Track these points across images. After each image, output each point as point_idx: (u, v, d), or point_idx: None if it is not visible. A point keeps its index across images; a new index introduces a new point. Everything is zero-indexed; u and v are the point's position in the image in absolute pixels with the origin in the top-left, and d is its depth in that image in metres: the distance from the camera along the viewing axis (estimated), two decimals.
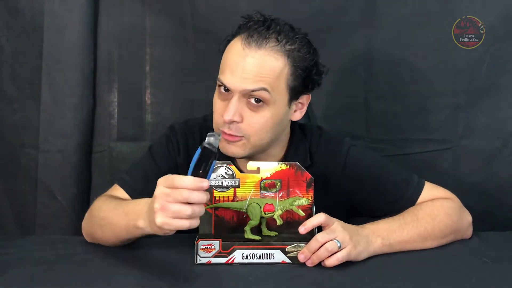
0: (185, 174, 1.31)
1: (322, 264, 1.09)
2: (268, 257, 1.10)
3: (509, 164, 1.71)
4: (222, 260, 1.10)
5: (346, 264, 1.10)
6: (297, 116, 1.28)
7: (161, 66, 1.76)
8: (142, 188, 1.28)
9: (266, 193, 1.14)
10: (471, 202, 1.34)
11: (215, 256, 1.10)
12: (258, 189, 1.14)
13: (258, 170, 1.15)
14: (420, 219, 1.20)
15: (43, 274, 1.06)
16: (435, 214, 1.22)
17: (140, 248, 1.19)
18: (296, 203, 1.14)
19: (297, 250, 1.10)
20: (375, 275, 1.07)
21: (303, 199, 1.14)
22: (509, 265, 1.12)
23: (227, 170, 1.14)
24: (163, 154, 1.31)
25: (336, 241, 1.09)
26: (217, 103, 1.23)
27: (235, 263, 1.10)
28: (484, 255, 1.16)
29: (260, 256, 1.10)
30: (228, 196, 1.14)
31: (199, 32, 1.73)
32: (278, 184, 1.14)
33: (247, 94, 1.19)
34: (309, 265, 1.09)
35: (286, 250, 1.10)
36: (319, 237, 1.09)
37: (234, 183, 1.14)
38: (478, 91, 1.70)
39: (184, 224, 0.98)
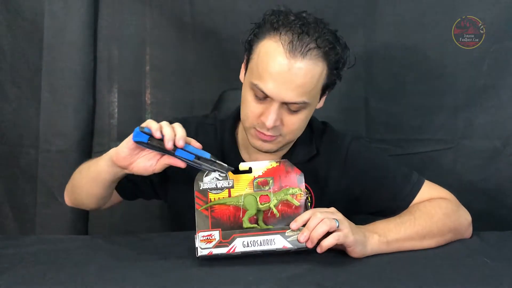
0: (174, 167, 1.34)
1: (319, 249, 1.08)
2: (269, 242, 1.09)
3: (509, 164, 1.71)
4: (224, 250, 1.09)
5: (346, 264, 1.10)
6: (321, 104, 1.30)
7: (161, 66, 1.77)
8: (126, 178, 1.29)
9: (260, 191, 1.15)
10: (471, 202, 1.34)
11: (216, 246, 1.09)
12: (251, 188, 1.15)
13: (250, 170, 1.16)
14: (417, 218, 1.21)
15: (43, 274, 1.06)
16: (432, 214, 1.23)
17: (140, 248, 1.20)
18: (290, 192, 1.15)
19: (297, 233, 1.09)
20: (375, 275, 1.07)
21: (297, 189, 1.15)
22: (509, 265, 1.12)
23: (221, 172, 1.15)
24: None
25: (335, 220, 1.09)
26: (251, 104, 1.22)
27: (236, 252, 1.09)
28: (484, 255, 1.16)
29: (261, 242, 1.09)
30: (223, 197, 1.15)
31: (199, 32, 1.73)
32: (271, 181, 1.15)
33: (287, 102, 1.20)
34: (309, 246, 1.08)
35: (286, 234, 1.10)
36: (319, 213, 1.09)
37: (228, 184, 1.15)
38: (478, 91, 1.70)
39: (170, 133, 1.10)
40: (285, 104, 1.20)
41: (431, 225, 1.20)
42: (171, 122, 1.35)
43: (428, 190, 1.30)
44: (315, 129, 1.36)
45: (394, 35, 1.70)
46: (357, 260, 1.12)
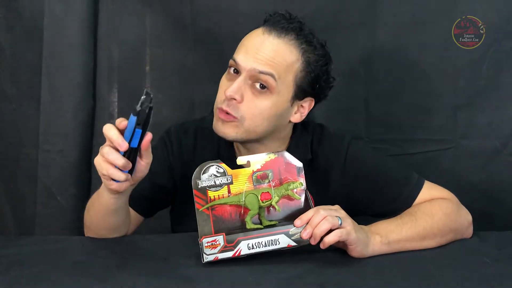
0: (180, 174, 1.33)
1: (322, 245, 1.08)
2: (273, 243, 1.10)
3: (509, 164, 1.70)
4: (229, 254, 1.09)
5: (346, 264, 1.10)
6: (297, 118, 1.29)
7: (161, 66, 1.76)
8: (143, 197, 1.31)
9: (260, 185, 1.15)
10: (471, 202, 1.34)
11: (221, 251, 1.09)
12: (251, 182, 1.15)
13: (248, 164, 1.16)
14: (418, 219, 1.21)
15: (43, 274, 1.06)
16: (433, 214, 1.23)
17: (140, 248, 1.20)
18: (291, 187, 1.15)
19: (301, 230, 1.09)
20: (375, 275, 1.07)
21: (297, 183, 1.15)
22: (509, 265, 1.12)
23: (218, 168, 1.15)
24: (156, 156, 1.32)
25: (338, 217, 1.09)
26: (223, 82, 1.26)
27: (242, 255, 1.09)
28: (484, 255, 1.16)
29: (265, 243, 1.10)
30: (222, 194, 1.14)
31: (199, 32, 1.73)
32: (270, 174, 1.15)
33: (254, 76, 1.21)
34: (313, 243, 1.08)
35: (290, 232, 1.10)
36: (322, 210, 1.09)
37: (227, 180, 1.15)
38: (478, 91, 1.70)
39: (113, 172, 1.05)
40: (251, 81, 1.21)
41: (432, 226, 1.21)
42: (169, 131, 1.36)
43: (429, 191, 1.30)
44: (312, 132, 1.35)
45: (394, 35, 1.70)
46: (357, 260, 1.12)
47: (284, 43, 1.22)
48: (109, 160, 1.05)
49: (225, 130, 1.24)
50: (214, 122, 1.26)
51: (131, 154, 1.07)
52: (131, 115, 1.03)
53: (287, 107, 1.26)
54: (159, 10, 1.73)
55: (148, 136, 1.06)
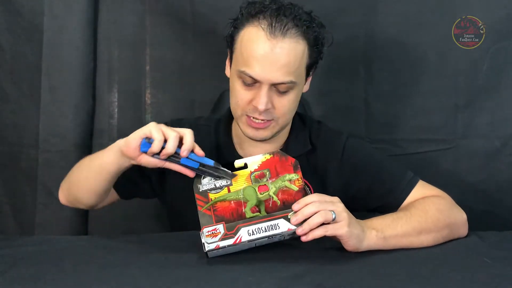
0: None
1: (304, 237, 1.09)
2: (273, 227, 1.10)
3: (509, 164, 1.71)
4: (230, 241, 1.10)
5: (346, 264, 1.10)
6: (306, 87, 1.33)
7: (161, 66, 1.77)
8: (124, 177, 1.30)
9: (258, 184, 1.16)
10: (471, 202, 1.34)
11: (222, 239, 1.10)
12: (250, 183, 1.16)
13: (245, 166, 1.17)
14: (413, 215, 1.22)
15: (43, 274, 1.06)
16: (426, 209, 1.24)
17: (140, 248, 1.20)
18: (287, 178, 1.16)
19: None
20: (375, 275, 1.07)
21: (293, 174, 1.16)
22: (509, 265, 1.12)
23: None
24: None
25: (332, 212, 1.10)
26: (241, 92, 1.25)
27: (243, 241, 1.10)
28: (484, 255, 1.16)
29: (265, 228, 1.10)
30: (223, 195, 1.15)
31: (199, 32, 1.73)
32: (267, 173, 1.16)
33: (276, 84, 1.22)
34: (303, 240, 1.09)
35: (289, 216, 1.11)
36: (318, 203, 1.10)
37: (227, 182, 1.15)
38: (478, 91, 1.70)
39: (156, 146, 1.12)
40: (273, 87, 1.22)
41: (427, 220, 1.21)
42: (167, 125, 1.36)
43: (422, 189, 1.31)
44: (310, 126, 1.37)
45: (394, 35, 1.70)
46: (357, 260, 1.12)
47: (292, 39, 1.20)
48: (168, 141, 1.11)
49: (262, 134, 1.27)
50: (244, 128, 1.28)
51: (172, 158, 1.15)
52: (212, 160, 1.14)
53: (302, 87, 1.30)
54: (159, 10, 1.73)
55: (190, 173, 1.15)
